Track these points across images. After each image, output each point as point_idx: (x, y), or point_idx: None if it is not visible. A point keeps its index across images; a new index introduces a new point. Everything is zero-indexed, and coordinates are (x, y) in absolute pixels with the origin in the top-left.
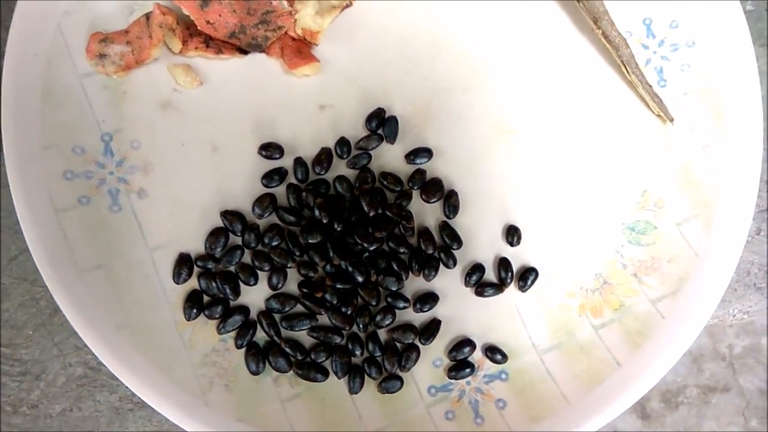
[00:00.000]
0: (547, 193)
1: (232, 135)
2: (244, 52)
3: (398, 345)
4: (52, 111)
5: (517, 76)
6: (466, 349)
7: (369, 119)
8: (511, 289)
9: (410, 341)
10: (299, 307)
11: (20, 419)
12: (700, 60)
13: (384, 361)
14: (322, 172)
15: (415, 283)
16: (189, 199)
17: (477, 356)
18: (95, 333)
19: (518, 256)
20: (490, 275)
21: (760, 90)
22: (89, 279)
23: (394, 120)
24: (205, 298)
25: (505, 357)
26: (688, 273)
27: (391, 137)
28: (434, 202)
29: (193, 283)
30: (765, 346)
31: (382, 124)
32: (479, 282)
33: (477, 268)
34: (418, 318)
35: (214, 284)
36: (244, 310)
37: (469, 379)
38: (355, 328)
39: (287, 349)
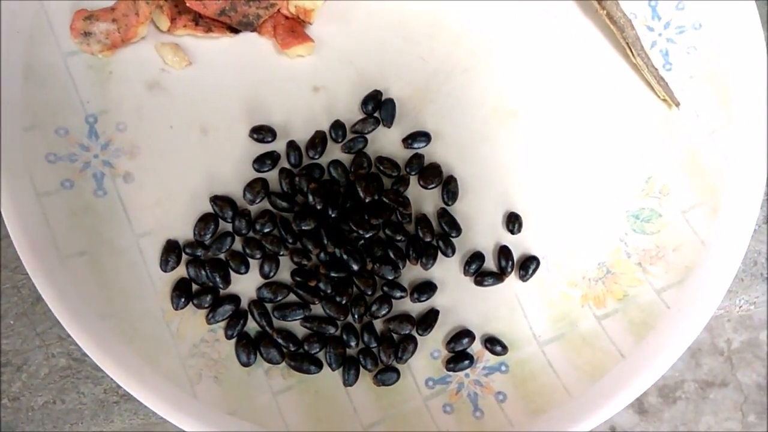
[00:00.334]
0: (549, 179)
1: (222, 117)
2: (234, 30)
3: (395, 336)
4: (34, 91)
5: (518, 57)
6: (465, 341)
7: (365, 102)
8: (512, 279)
9: (407, 332)
10: (292, 297)
11: (1, 412)
12: (706, 43)
13: (380, 352)
14: (316, 157)
15: (412, 272)
16: (177, 183)
17: (476, 348)
18: (79, 323)
19: (519, 245)
20: (490, 264)
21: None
22: (73, 266)
23: (391, 103)
24: (194, 287)
25: (505, 348)
26: (694, 262)
27: (388, 120)
28: (432, 188)
29: (181, 271)
30: (764, 341)
31: (378, 107)
32: (479, 271)
33: (476, 257)
34: (415, 308)
35: (203, 272)
36: (234, 299)
37: (468, 371)
38: (350, 318)
39: (279, 340)
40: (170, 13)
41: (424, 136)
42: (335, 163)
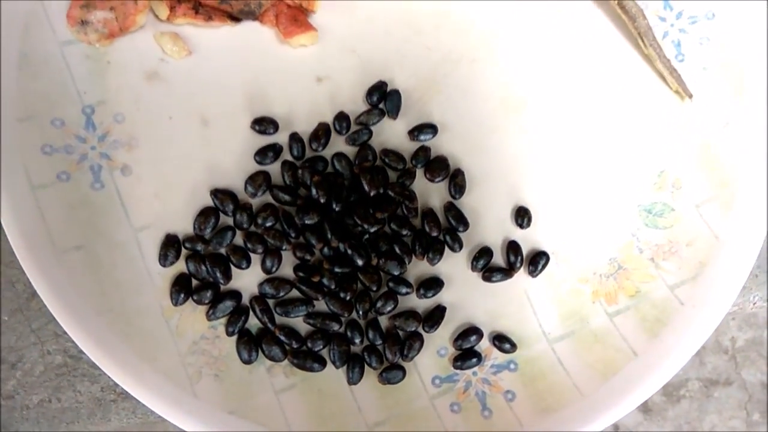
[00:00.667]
0: (559, 172)
1: (223, 108)
2: (236, 19)
3: (400, 333)
4: (29, 80)
5: (527, 47)
6: (473, 338)
7: (370, 93)
8: (521, 274)
9: (413, 329)
10: (295, 293)
11: None
12: (719, 33)
13: (385, 350)
14: (320, 149)
15: (418, 268)
16: (176, 176)
17: (484, 345)
18: (75, 319)
19: (528, 239)
20: (498, 259)
21: None
22: (69, 261)
23: (396, 93)
24: (194, 282)
25: (513, 346)
26: (708, 257)
27: (394, 112)
28: (439, 181)
29: (180, 266)
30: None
31: (383, 98)
32: (487, 266)
33: (484, 252)
34: (421, 304)
35: (203, 267)
36: (235, 295)
37: (475, 369)
38: (354, 314)
39: (282, 337)
40: (169, 2)
41: (430, 128)
42: (339, 155)
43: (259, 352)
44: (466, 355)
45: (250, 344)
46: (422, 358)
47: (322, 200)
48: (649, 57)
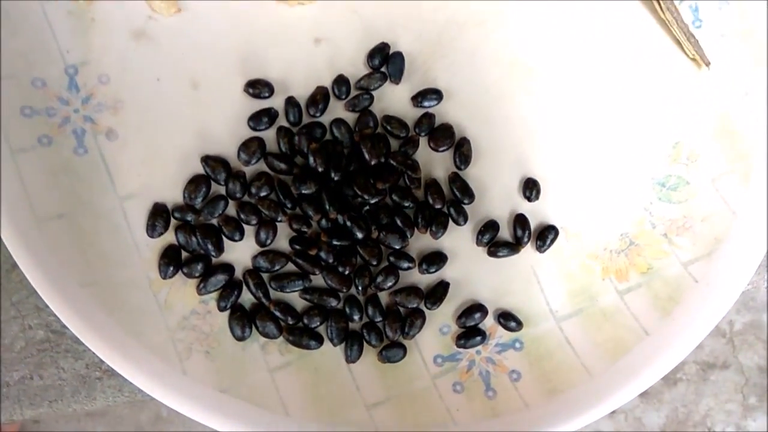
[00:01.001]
0: (570, 142)
1: (214, 70)
2: None
3: (401, 310)
4: (8, 38)
5: (537, 9)
6: (477, 315)
7: (371, 55)
8: (528, 250)
9: (415, 305)
10: (290, 266)
11: None
12: None
13: (385, 327)
14: (318, 115)
15: (420, 242)
16: (165, 142)
17: (489, 323)
18: (57, 291)
19: (536, 213)
20: (505, 233)
21: None
22: (50, 230)
23: (399, 56)
24: (184, 255)
25: (519, 324)
26: (724, 233)
27: (396, 76)
28: (444, 150)
29: (169, 237)
30: (765, 323)
31: (385, 61)
32: (492, 241)
33: (490, 226)
34: (423, 280)
35: (193, 239)
36: (228, 268)
37: (479, 348)
38: (353, 290)
39: (277, 313)
40: None
41: (435, 94)
42: (338, 121)
43: (253, 328)
44: (469, 333)
45: (244, 320)
46: (424, 336)
47: (320, 169)
48: (665, 22)
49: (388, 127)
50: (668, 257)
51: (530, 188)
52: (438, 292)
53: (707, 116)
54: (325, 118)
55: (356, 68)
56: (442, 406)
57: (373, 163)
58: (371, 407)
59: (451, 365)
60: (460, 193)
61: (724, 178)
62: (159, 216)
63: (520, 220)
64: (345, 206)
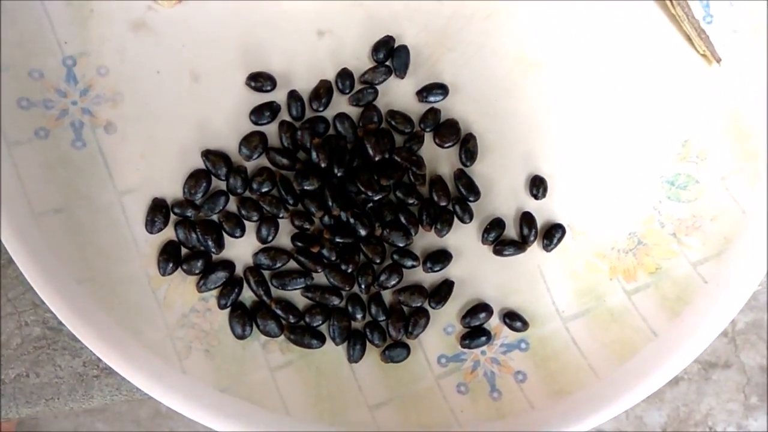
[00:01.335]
0: (577, 139)
1: (215, 62)
2: None
3: (405, 309)
4: (4, 28)
5: (547, 2)
6: (482, 315)
7: (375, 48)
8: (534, 248)
9: (419, 304)
10: (292, 264)
11: None
12: None
13: (388, 326)
14: (321, 109)
15: (425, 239)
16: (165, 135)
17: (494, 323)
18: (54, 288)
19: (543, 211)
20: (511, 232)
21: None
22: (47, 225)
23: (404, 50)
24: (183, 251)
25: (525, 324)
26: (734, 233)
27: (401, 70)
28: (449, 146)
29: (169, 233)
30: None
31: (390, 55)
32: (498, 239)
33: (496, 224)
34: (427, 278)
35: (193, 235)
36: (228, 265)
37: (484, 348)
38: (356, 288)
39: (278, 311)
40: None
41: (440, 89)
42: (342, 116)
43: (254, 326)
44: (474, 333)
45: (244, 318)
46: (428, 335)
47: (322, 165)
48: (676, 17)
49: (393, 123)
50: (677, 257)
51: (537, 185)
52: (442, 291)
53: (717, 113)
54: (329, 113)
55: (360, 61)
56: (446, 407)
57: (377, 158)
58: (374, 408)
59: (455, 366)
60: (466, 190)
61: (733, 177)
62: (158, 211)
63: (526, 218)
64: (348, 203)
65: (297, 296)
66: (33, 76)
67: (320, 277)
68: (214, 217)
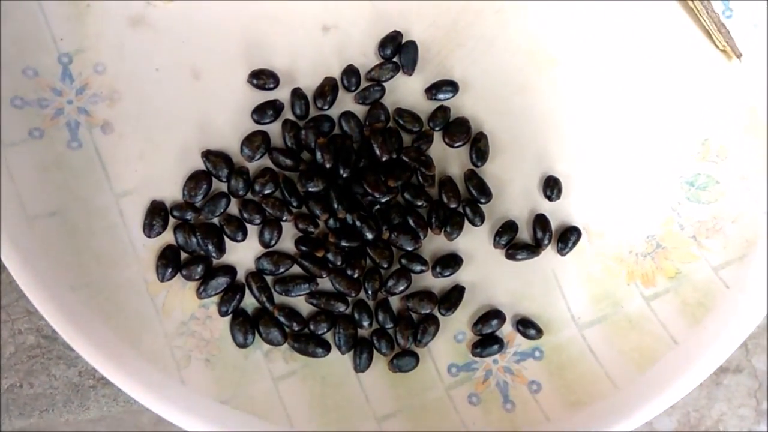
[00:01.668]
0: (593, 138)
1: (216, 59)
2: None
3: (413, 315)
4: None
5: None
6: (494, 322)
7: (382, 44)
8: (548, 252)
9: (428, 311)
10: (296, 269)
11: None
12: None
13: (396, 334)
14: (326, 107)
15: (434, 243)
16: (164, 135)
17: (506, 330)
18: (48, 294)
19: (557, 213)
20: (524, 235)
21: None
22: (41, 228)
23: (412, 46)
24: (183, 256)
25: (539, 331)
26: (757, 235)
27: (409, 66)
28: (459, 146)
29: (167, 236)
30: None
31: (398, 51)
32: (511, 243)
33: (508, 227)
34: (437, 284)
35: (193, 239)
36: (229, 270)
37: (497, 356)
38: (362, 294)
39: (281, 318)
40: None
41: (450, 86)
42: (347, 115)
43: (256, 334)
44: (486, 341)
45: (246, 326)
46: (437, 343)
47: (327, 165)
48: (695, 11)
49: (401, 121)
50: (697, 261)
51: (551, 187)
52: (453, 297)
53: (738, 111)
54: (334, 111)
55: (367, 58)
56: (456, 418)
57: (384, 159)
58: (381, 419)
59: (466, 375)
60: (477, 191)
61: (755, 177)
62: (157, 214)
63: (540, 221)
64: (354, 205)
65: (301, 303)
66: (27, 74)
67: (325, 283)
68: (215, 221)
